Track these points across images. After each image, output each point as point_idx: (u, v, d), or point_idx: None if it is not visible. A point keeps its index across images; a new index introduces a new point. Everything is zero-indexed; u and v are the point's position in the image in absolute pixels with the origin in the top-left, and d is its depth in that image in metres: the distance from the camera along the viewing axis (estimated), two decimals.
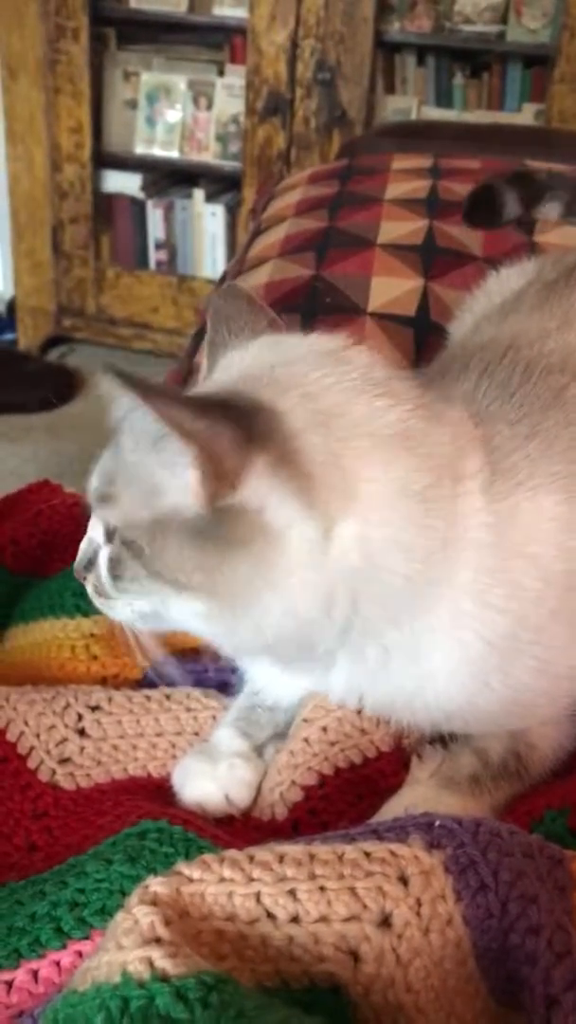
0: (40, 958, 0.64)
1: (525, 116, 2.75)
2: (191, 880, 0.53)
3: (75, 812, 0.80)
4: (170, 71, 2.96)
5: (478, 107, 2.83)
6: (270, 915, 0.51)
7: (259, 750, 0.83)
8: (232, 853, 0.54)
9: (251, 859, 0.54)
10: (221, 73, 2.93)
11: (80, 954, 0.64)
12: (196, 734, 0.86)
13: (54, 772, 0.83)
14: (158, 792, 0.82)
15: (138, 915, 0.51)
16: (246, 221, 2.88)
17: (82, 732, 0.85)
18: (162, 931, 0.49)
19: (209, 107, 2.93)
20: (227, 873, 0.53)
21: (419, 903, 0.51)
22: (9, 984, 0.63)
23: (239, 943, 0.51)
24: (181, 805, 0.79)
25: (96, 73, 2.91)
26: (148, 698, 0.88)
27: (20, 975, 0.63)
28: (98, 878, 0.67)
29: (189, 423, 0.61)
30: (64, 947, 0.64)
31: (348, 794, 0.78)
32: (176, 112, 2.94)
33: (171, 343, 3.05)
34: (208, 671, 0.91)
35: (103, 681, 0.92)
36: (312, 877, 0.52)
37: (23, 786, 0.81)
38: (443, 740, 0.81)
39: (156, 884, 0.53)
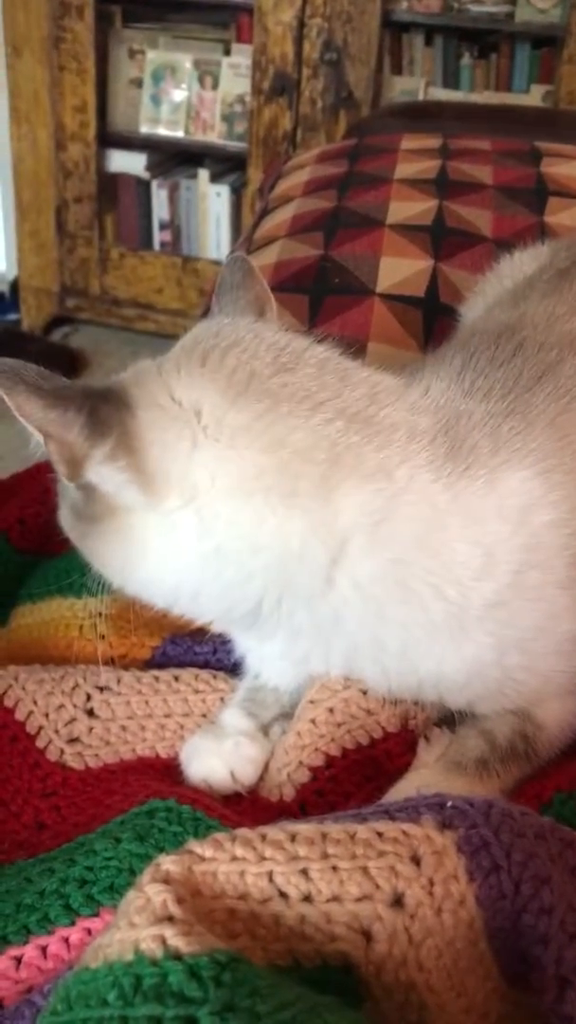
0: (49, 934, 0.64)
1: (533, 97, 2.73)
2: (203, 859, 0.53)
3: (83, 791, 0.80)
4: (176, 50, 2.93)
5: (486, 88, 2.80)
6: (282, 894, 0.51)
7: (265, 729, 0.83)
8: (244, 832, 0.54)
9: (263, 838, 0.53)
10: (227, 52, 2.90)
11: (89, 931, 0.64)
12: (204, 715, 0.87)
13: (63, 752, 0.83)
14: (166, 772, 0.82)
15: (150, 893, 0.51)
16: (251, 202, 2.86)
17: (91, 712, 0.85)
18: (175, 909, 0.49)
19: (215, 86, 2.90)
20: (239, 852, 0.52)
21: (431, 883, 0.51)
22: (18, 960, 0.64)
23: (251, 922, 0.51)
24: (187, 782, 0.80)
25: (101, 51, 2.88)
26: (157, 679, 0.88)
27: (29, 951, 0.64)
28: (107, 856, 0.67)
29: (40, 412, 0.70)
30: (73, 924, 0.64)
31: (355, 775, 0.78)
32: (182, 91, 2.92)
33: (175, 324, 3.03)
34: (216, 652, 0.91)
35: (111, 661, 0.92)
36: (324, 856, 0.52)
37: (32, 765, 0.82)
38: (450, 722, 0.81)
39: (168, 862, 0.52)
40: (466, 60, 2.81)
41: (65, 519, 0.80)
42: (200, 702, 0.87)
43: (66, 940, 0.64)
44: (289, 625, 0.75)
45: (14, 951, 0.64)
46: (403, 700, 0.80)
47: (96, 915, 0.64)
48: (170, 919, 0.49)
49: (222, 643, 0.91)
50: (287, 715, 0.84)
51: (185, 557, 0.73)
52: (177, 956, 0.47)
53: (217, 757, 0.80)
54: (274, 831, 0.54)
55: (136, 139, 2.98)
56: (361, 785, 0.78)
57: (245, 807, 0.78)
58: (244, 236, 1.46)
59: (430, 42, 2.82)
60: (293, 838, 0.53)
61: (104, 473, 0.72)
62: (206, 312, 1.38)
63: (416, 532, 0.71)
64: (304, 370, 0.73)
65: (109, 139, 2.97)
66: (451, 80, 2.82)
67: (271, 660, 0.83)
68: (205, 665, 0.91)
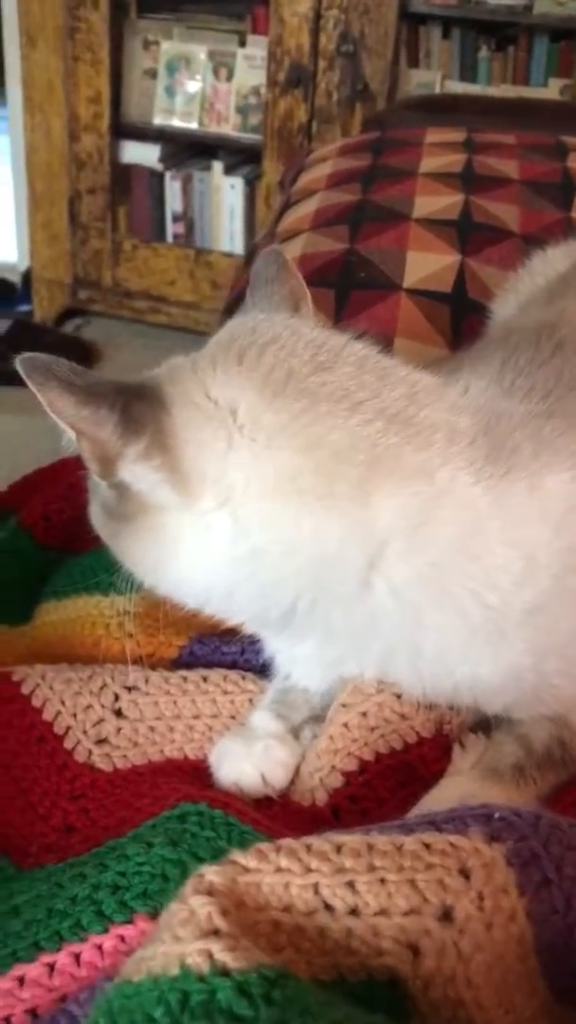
0: (82, 941, 0.63)
1: (551, 91, 2.70)
2: (247, 869, 0.52)
3: (112, 794, 0.79)
4: (190, 40, 2.91)
5: (503, 81, 2.77)
6: (328, 907, 0.50)
7: (295, 732, 0.82)
8: (288, 842, 0.53)
9: (308, 849, 0.52)
10: (242, 44, 2.88)
11: (122, 938, 0.63)
12: (232, 717, 0.85)
13: (91, 753, 0.82)
14: (195, 774, 0.81)
15: (194, 905, 0.49)
16: (266, 194, 2.84)
17: (119, 713, 0.84)
18: (220, 922, 0.48)
19: (229, 78, 2.88)
20: (284, 863, 0.51)
21: (481, 897, 0.50)
22: (51, 967, 0.62)
23: (295, 935, 0.50)
24: (217, 786, 0.79)
25: (116, 42, 2.86)
26: (185, 679, 0.87)
27: (62, 958, 0.63)
28: (139, 861, 0.66)
29: (72, 410, 0.69)
30: (106, 931, 0.63)
31: (389, 780, 0.77)
32: (196, 83, 2.90)
33: (187, 317, 3.02)
34: (244, 653, 0.90)
35: (139, 660, 0.91)
36: (371, 869, 0.51)
37: (60, 766, 0.81)
38: (485, 728, 0.79)
39: (211, 873, 0.51)
40: (483, 53, 2.78)
41: (96, 517, 0.79)
42: (229, 703, 0.86)
43: (99, 947, 0.63)
44: (323, 628, 0.74)
45: (47, 958, 0.63)
46: (438, 704, 0.78)
47: (130, 922, 0.63)
48: (216, 933, 0.48)
49: (250, 643, 0.90)
50: (318, 718, 0.83)
51: (219, 558, 0.72)
52: (225, 972, 0.46)
53: (247, 760, 0.78)
54: (319, 842, 0.53)
55: (150, 130, 2.96)
56: (395, 791, 0.77)
57: (276, 811, 0.77)
58: (267, 229, 1.45)
59: (447, 35, 2.79)
60: (339, 849, 0.52)
61: (137, 472, 0.71)
62: (230, 307, 1.37)
63: (456, 536, 0.70)
64: (343, 369, 0.72)
65: (123, 130, 2.95)
66: (468, 73, 2.80)
67: (302, 661, 0.82)
68: (233, 665, 0.90)
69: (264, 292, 0.81)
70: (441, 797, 0.73)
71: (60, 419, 0.70)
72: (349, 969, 0.50)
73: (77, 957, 0.63)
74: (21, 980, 0.62)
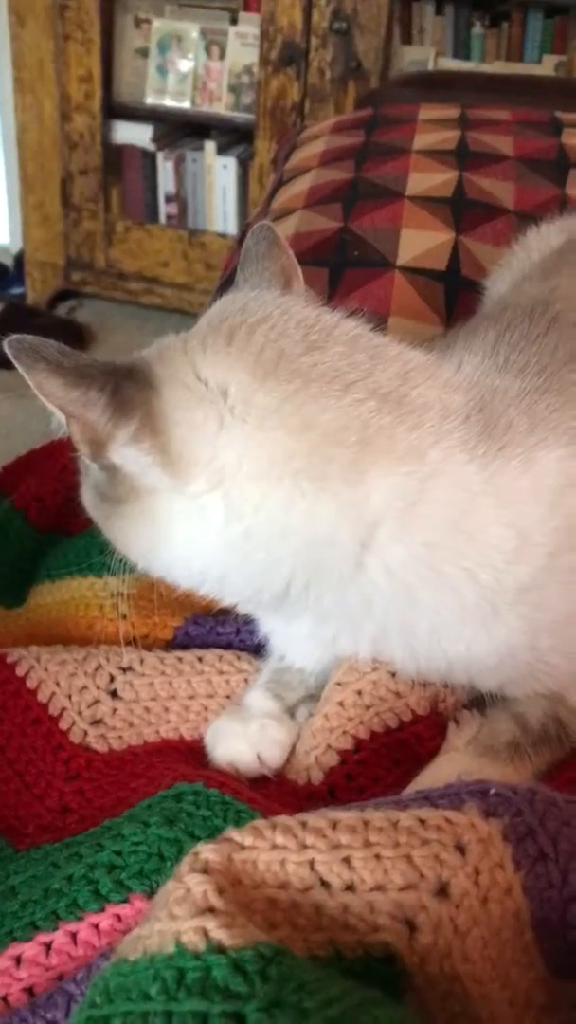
0: (78, 920, 0.63)
1: (545, 67, 2.68)
2: (242, 847, 0.51)
3: (108, 774, 0.79)
4: (182, 18, 2.88)
5: (497, 58, 2.75)
6: (324, 883, 0.50)
7: (291, 711, 0.82)
8: (283, 819, 0.53)
9: (303, 825, 0.52)
10: (234, 22, 2.85)
11: (119, 917, 0.63)
12: (228, 697, 0.85)
13: (86, 734, 0.82)
14: (191, 754, 0.81)
15: (190, 883, 0.49)
16: (259, 174, 2.82)
17: (114, 694, 0.84)
18: (215, 900, 0.48)
19: (222, 57, 2.85)
20: (280, 840, 0.51)
21: (477, 872, 0.50)
22: (47, 946, 0.63)
23: (292, 912, 0.50)
24: (213, 765, 0.79)
25: (106, 20, 2.83)
26: (180, 660, 0.87)
27: (59, 937, 0.63)
28: (135, 841, 0.66)
29: (61, 392, 0.68)
30: (102, 910, 0.63)
31: (385, 758, 0.77)
32: (188, 62, 2.87)
33: (180, 298, 3.00)
34: (239, 633, 0.90)
35: (133, 641, 0.90)
36: (367, 844, 0.51)
37: (55, 747, 0.80)
38: (480, 705, 0.79)
39: (207, 851, 0.51)
40: (477, 29, 2.76)
41: (88, 499, 0.78)
42: (224, 683, 0.86)
43: (96, 926, 0.63)
44: (317, 608, 0.74)
45: (43, 937, 0.63)
46: (432, 683, 0.78)
47: (126, 901, 0.63)
48: (211, 910, 0.48)
49: (245, 624, 0.90)
50: (313, 697, 0.83)
51: (212, 540, 0.72)
52: (220, 949, 0.46)
53: (243, 740, 0.78)
54: (315, 818, 0.53)
55: (142, 110, 2.93)
56: (390, 769, 0.77)
57: (272, 790, 0.77)
58: (260, 207, 1.44)
59: (440, 11, 2.76)
60: (334, 826, 0.52)
61: (128, 454, 0.70)
62: (222, 287, 1.36)
63: (449, 515, 0.70)
64: (334, 348, 0.71)
65: (114, 110, 2.92)
66: (461, 50, 2.77)
67: (297, 641, 0.82)
68: (228, 646, 0.90)
69: (255, 269, 0.80)
70: (437, 774, 0.73)
71: (49, 401, 0.69)
72: (346, 945, 0.50)
73: (74, 936, 0.63)
74: (18, 959, 0.62)
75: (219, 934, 0.46)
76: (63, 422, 0.71)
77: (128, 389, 0.69)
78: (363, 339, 0.73)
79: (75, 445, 0.73)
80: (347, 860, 0.50)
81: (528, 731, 0.75)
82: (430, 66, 2.74)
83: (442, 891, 0.50)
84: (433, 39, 2.78)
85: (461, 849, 0.51)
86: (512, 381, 0.74)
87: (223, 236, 2.96)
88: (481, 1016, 0.51)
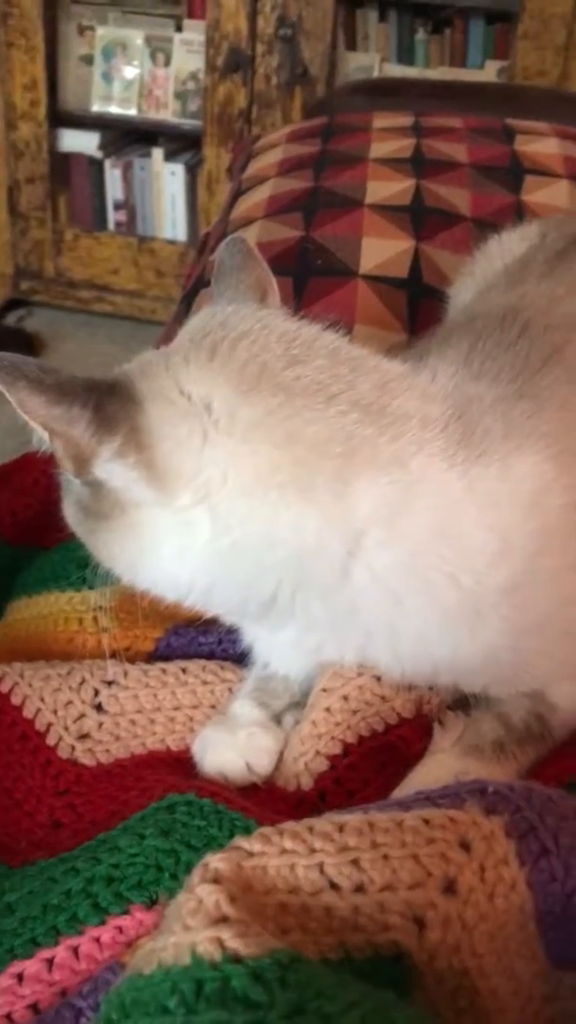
0: (79, 934, 0.63)
1: (488, 73, 2.73)
2: (251, 854, 0.52)
3: (98, 788, 0.79)
4: (126, 25, 2.88)
5: (441, 64, 2.79)
6: (334, 885, 0.51)
7: (277, 719, 0.83)
8: (290, 825, 0.54)
9: (311, 830, 0.53)
10: (179, 29, 2.86)
11: (120, 929, 0.63)
12: (213, 707, 0.86)
13: (73, 748, 0.82)
14: (178, 765, 0.82)
15: (202, 894, 0.50)
16: (207, 181, 2.83)
17: (99, 707, 0.84)
18: (228, 909, 0.49)
19: (167, 64, 2.86)
20: (288, 844, 0.52)
21: (483, 868, 0.52)
22: (50, 961, 0.63)
23: (302, 916, 0.51)
24: (202, 775, 0.79)
25: (49, 27, 2.81)
26: (164, 671, 0.87)
27: (60, 952, 0.63)
28: (132, 853, 0.67)
29: (44, 409, 0.68)
30: (103, 923, 0.64)
31: (372, 762, 0.78)
32: (133, 69, 2.86)
33: (132, 306, 3.00)
34: (222, 643, 0.91)
35: (115, 654, 0.91)
36: (375, 846, 0.52)
37: (43, 763, 0.81)
38: (464, 706, 0.81)
39: (216, 861, 0.52)
40: (420, 35, 2.80)
41: (71, 515, 0.78)
42: (209, 693, 0.87)
43: (97, 940, 0.63)
44: (304, 616, 0.75)
45: (45, 953, 0.63)
46: (417, 686, 0.80)
47: (126, 913, 0.64)
48: (225, 920, 0.48)
49: (227, 633, 0.90)
50: (298, 704, 0.84)
51: (199, 554, 0.72)
52: (237, 959, 0.46)
53: (231, 748, 0.79)
54: (321, 823, 0.54)
55: (88, 118, 2.92)
56: (378, 772, 0.78)
57: (263, 798, 0.77)
58: (220, 217, 1.44)
59: (384, 18, 2.80)
60: (341, 829, 0.53)
61: (113, 470, 0.70)
62: (187, 295, 1.37)
63: (432, 521, 0.71)
64: (315, 361, 0.72)
65: (60, 118, 2.90)
66: (406, 56, 2.81)
67: (281, 649, 0.83)
68: (211, 656, 0.91)
69: (229, 282, 0.81)
70: (425, 776, 0.74)
71: (31, 419, 0.69)
72: (355, 947, 0.51)
73: (75, 950, 0.63)
74: (20, 977, 0.62)
75: (235, 943, 0.47)
76: (45, 439, 0.71)
77: (111, 405, 0.69)
78: (343, 351, 0.74)
79: (58, 462, 0.73)
80: (356, 862, 0.51)
81: (512, 730, 0.77)
82: (375, 72, 2.77)
83: (449, 888, 0.51)
84: (377, 45, 2.81)
85: (466, 847, 0.52)
86: (487, 389, 0.76)
87: (173, 243, 2.97)
88: (488, 1009, 0.52)
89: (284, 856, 0.52)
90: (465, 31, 2.75)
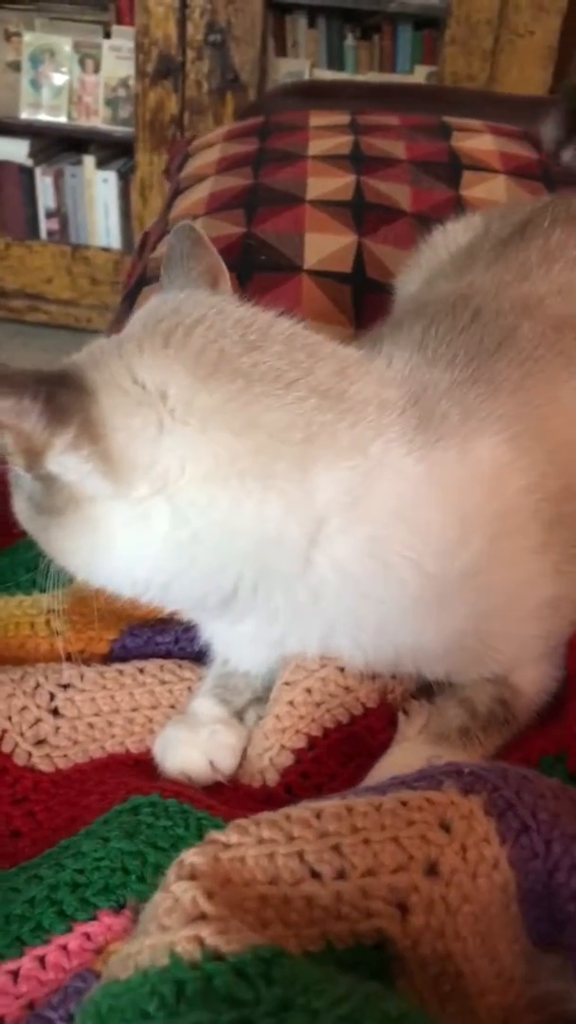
0: (45, 943, 0.61)
1: (417, 78, 2.76)
2: (228, 846, 0.51)
3: (56, 795, 0.77)
4: (54, 32, 2.84)
5: (370, 69, 2.82)
6: (315, 874, 0.50)
7: (239, 715, 0.81)
8: (266, 814, 0.53)
9: (288, 818, 0.52)
10: (107, 35, 2.83)
11: (88, 936, 0.61)
12: (172, 707, 0.84)
13: (30, 755, 0.79)
14: (139, 768, 0.80)
15: (177, 892, 0.48)
16: (140, 188, 2.81)
17: (55, 712, 0.82)
18: (206, 906, 0.47)
19: (96, 70, 2.83)
20: (266, 833, 0.51)
21: (464, 848, 0.51)
22: (15, 973, 0.60)
23: (283, 908, 0.49)
24: (164, 776, 0.77)
25: None
26: (121, 673, 0.85)
27: (26, 963, 0.60)
28: (96, 857, 0.64)
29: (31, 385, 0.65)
30: (70, 930, 0.61)
31: (338, 754, 0.77)
32: (62, 75, 2.83)
33: (66, 314, 2.96)
34: (178, 641, 0.89)
35: (68, 657, 0.88)
36: (354, 830, 0.51)
37: None
38: (428, 694, 0.80)
39: (191, 855, 0.50)
40: (349, 41, 2.82)
41: (21, 512, 0.76)
42: (167, 693, 0.85)
43: (64, 947, 0.61)
44: (265, 608, 0.74)
45: (9, 965, 0.60)
46: (380, 674, 0.79)
47: (93, 919, 0.61)
48: (203, 917, 0.47)
49: (184, 631, 0.89)
50: (260, 699, 0.82)
51: (157, 547, 0.70)
52: (218, 956, 0.44)
53: (194, 747, 0.77)
54: (298, 810, 0.53)
55: (17, 125, 2.88)
56: (344, 764, 0.77)
57: (228, 796, 0.76)
58: (159, 216, 1.43)
59: (313, 24, 2.81)
60: (319, 815, 0.52)
61: (66, 463, 0.68)
62: (130, 294, 1.35)
63: (392, 507, 0.70)
64: (273, 347, 0.71)
65: None
66: (336, 62, 2.83)
67: (240, 644, 0.81)
68: (168, 655, 0.89)
69: (180, 269, 0.79)
70: (392, 764, 0.73)
71: None
72: (337, 936, 0.49)
73: (42, 960, 0.60)
74: None
75: (215, 940, 0.45)
76: None
77: (63, 396, 0.67)
78: (299, 337, 0.73)
79: (8, 457, 0.71)
80: (336, 847, 0.50)
81: (476, 716, 0.76)
82: (306, 77, 2.78)
83: (432, 870, 0.50)
84: (307, 51, 2.82)
85: (446, 827, 0.51)
86: (442, 374, 0.75)
87: (107, 250, 2.94)
88: (470, 992, 0.51)
89: (262, 845, 0.50)
90: (394, 37, 2.78)
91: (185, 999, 0.43)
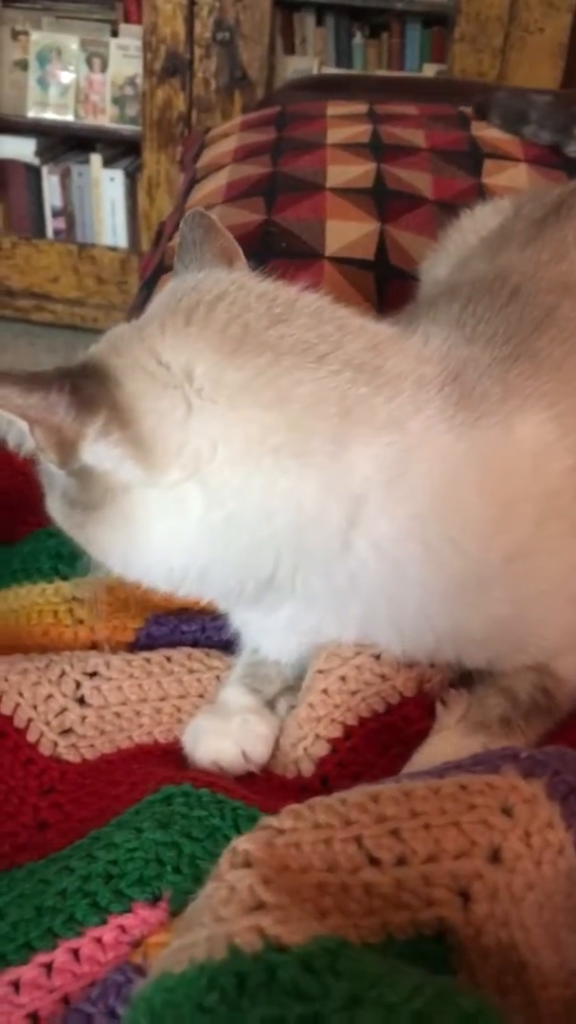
0: (79, 936, 0.58)
1: (426, 76, 2.74)
2: (281, 831, 0.48)
3: (84, 785, 0.74)
4: (61, 30, 2.83)
5: (379, 67, 2.80)
6: (374, 860, 0.47)
7: (270, 704, 0.79)
8: (320, 798, 0.50)
9: (343, 802, 0.50)
10: (115, 33, 2.82)
11: (123, 928, 0.58)
12: (201, 696, 0.82)
13: (56, 744, 0.77)
14: (168, 758, 0.77)
15: (232, 880, 0.46)
16: (147, 187, 2.79)
17: (82, 701, 0.79)
18: (264, 894, 0.44)
19: (104, 69, 2.81)
20: (322, 818, 0.48)
21: (528, 834, 0.48)
22: (48, 967, 0.57)
23: (342, 897, 0.47)
24: (195, 766, 0.75)
25: None
26: (148, 661, 0.82)
27: (59, 956, 0.58)
28: (130, 848, 0.62)
29: (20, 399, 0.64)
30: (104, 922, 0.58)
31: (375, 744, 0.75)
32: (69, 74, 2.81)
33: (72, 314, 2.94)
34: (205, 630, 0.87)
35: (92, 646, 0.86)
36: (414, 815, 0.49)
37: (25, 761, 0.75)
38: (466, 684, 0.78)
39: (245, 843, 0.48)
40: (358, 39, 2.80)
41: (56, 510, 0.74)
42: (195, 682, 0.83)
43: (99, 940, 0.58)
44: (304, 593, 0.71)
45: (42, 957, 0.58)
46: (418, 663, 0.77)
47: (128, 911, 0.59)
48: (262, 906, 0.44)
49: (211, 620, 0.86)
50: (292, 688, 0.80)
51: (192, 532, 0.68)
52: (281, 947, 0.42)
53: (225, 737, 0.75)
54: (353, 794, 0.50)
55: (24, 124, 2.86)
56: (381, 753, 0.74)
57: (260, 787, 0.74)
58: (175, 205, 1.41)
59: (321, 22, 2.80)
60: (376, 799, 0.50)
61: (99, 452, 0.66)
62: (148, 282, 1.33)
63: (432, 486, 0.68)
64: (299, 320, 0.68)
65: None
66: (344, 60, 2.81)
67: (272, 632, 0.79)
68: (195, 643, 0.86)
69: (193, 255, 0.77)
70: (432, 754, 0.71)
71: (9, 411, 0.65)
72: (397, 927, 0.47)
73: (76, 953, 0.58)
74: (16, 984, 0.57)
75: (276, 930, 0.42)
76: (25, 430, 0.67)
77: (88, 387, 0.65)
78: (327, 311, 0.71)
79: (40, 455, 0.69)
80: (396, 832, 0.48)
81: (518, 704, 0.74)
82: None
83: (495, 856, 0.48)
84: (315, 49, 2.80)
85: (508, 812, 0.49)
86: (482, 351, 0.73)
87: (114, 249, 2.92)
88: (533, 985, 0.49)
89: (318, 831, 0.48)
90: (402, 34, 2.76)
91: (247, 993, 0.41)
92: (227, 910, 0.44)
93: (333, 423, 0.66)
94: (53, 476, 0.72)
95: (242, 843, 0.48)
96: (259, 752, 0.75)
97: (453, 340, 0.74)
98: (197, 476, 0.66)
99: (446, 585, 0.70)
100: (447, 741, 0.72)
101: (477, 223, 1.02)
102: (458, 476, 0.69)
